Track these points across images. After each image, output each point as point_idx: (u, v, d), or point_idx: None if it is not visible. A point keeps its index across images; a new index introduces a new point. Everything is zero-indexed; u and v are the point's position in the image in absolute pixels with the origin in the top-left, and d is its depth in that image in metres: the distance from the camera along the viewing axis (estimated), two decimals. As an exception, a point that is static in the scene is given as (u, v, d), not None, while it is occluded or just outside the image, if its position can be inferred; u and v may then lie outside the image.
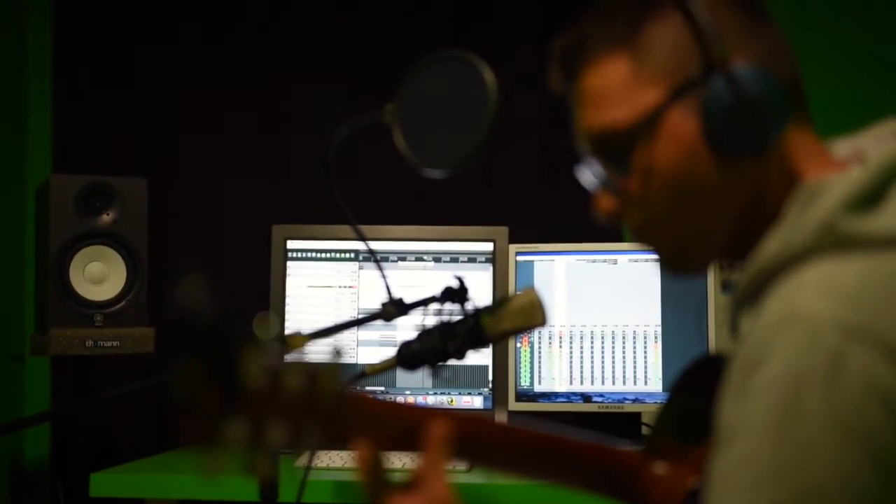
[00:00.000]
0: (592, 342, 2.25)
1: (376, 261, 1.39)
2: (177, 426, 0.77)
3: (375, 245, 2.26)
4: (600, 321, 2.26)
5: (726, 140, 0.90)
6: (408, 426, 0.95)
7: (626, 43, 0.93)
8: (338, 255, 2.31)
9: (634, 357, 2.24)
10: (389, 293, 1.33)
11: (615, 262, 2.27)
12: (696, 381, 1.06)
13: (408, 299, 1.33)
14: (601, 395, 2.24)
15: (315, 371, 0.82)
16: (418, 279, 2.30)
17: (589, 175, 0.99)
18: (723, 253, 0.97)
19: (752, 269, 0.88)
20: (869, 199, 0.84)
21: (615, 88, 0.94)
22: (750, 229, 0.93)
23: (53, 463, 2.63)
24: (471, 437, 0.98)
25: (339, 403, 0.84)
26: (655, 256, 0.98)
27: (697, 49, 0.90)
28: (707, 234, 0.94)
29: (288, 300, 2.30)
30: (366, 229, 1.37)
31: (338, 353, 0.83)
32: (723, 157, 0.90)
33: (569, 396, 2.25)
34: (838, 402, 0.74)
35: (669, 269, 0.98)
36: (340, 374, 0.83)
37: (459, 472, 1.83)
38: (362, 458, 0.94)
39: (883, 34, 2.76)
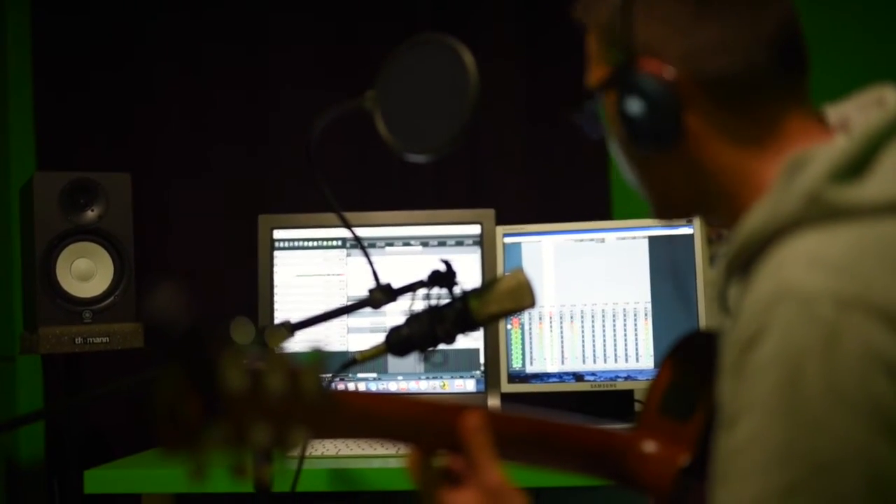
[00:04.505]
0: (583, 321, 2.26)
1: (362, 248, 1.38)
2: (159, 434, 0.77)
3: (362, 231, 2.25)
4: (590, 300, 2.26)
5: (632, 137, 0.95)
6: (393, 419, 0.95)
7: (594, 23, 1.00)
8: (325, 244, 2.31)
9: (625, 335, 2.24)
10: (377, 279, 1.32)
11: (603, 240, 2.27)
12: (685, 358, 1.06)
13: (396, 285, 1.33)
14: (593, 373, 2.25)
15: (297, 370, 0.81)
16: (406, 264, 2.30)
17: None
18: (715, 215, 0.99)
19: (738, 240, 0.88)
20: (854, 168, 0.84)
21: (591, 58, 1.01)
22: (742, 203, 0.93)
23: (48, 461, 2.62)
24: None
25: (322, 401, 0.84)
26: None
27: (617, 45, 0.95)
28: (675, 197, 0.99)
29: (276, 290, 2.30)
30: (352, 216, 1.36)
31: (320, 350, 0.82)
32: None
33: (561, 376, 2.26)
34: (839, 375, 0.74)
35: (654, 215, 1.03)
36: (322, 371, 0.82)
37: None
38: (412, 460, 0.94)
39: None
